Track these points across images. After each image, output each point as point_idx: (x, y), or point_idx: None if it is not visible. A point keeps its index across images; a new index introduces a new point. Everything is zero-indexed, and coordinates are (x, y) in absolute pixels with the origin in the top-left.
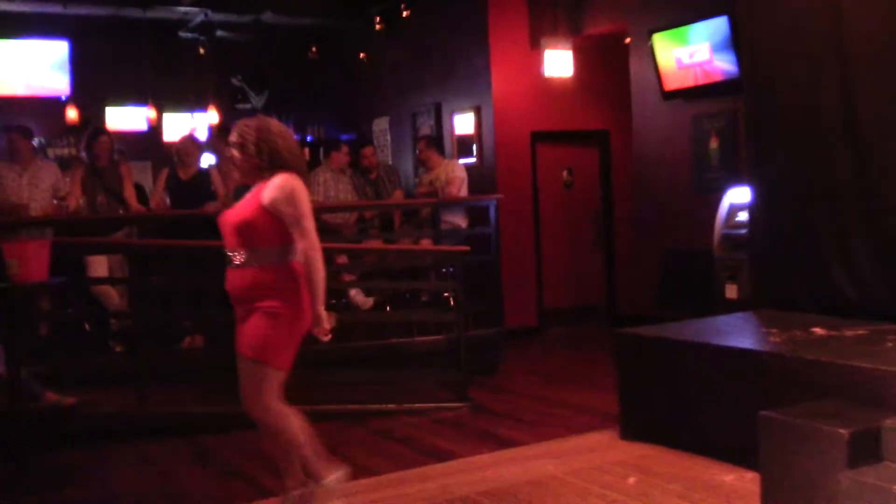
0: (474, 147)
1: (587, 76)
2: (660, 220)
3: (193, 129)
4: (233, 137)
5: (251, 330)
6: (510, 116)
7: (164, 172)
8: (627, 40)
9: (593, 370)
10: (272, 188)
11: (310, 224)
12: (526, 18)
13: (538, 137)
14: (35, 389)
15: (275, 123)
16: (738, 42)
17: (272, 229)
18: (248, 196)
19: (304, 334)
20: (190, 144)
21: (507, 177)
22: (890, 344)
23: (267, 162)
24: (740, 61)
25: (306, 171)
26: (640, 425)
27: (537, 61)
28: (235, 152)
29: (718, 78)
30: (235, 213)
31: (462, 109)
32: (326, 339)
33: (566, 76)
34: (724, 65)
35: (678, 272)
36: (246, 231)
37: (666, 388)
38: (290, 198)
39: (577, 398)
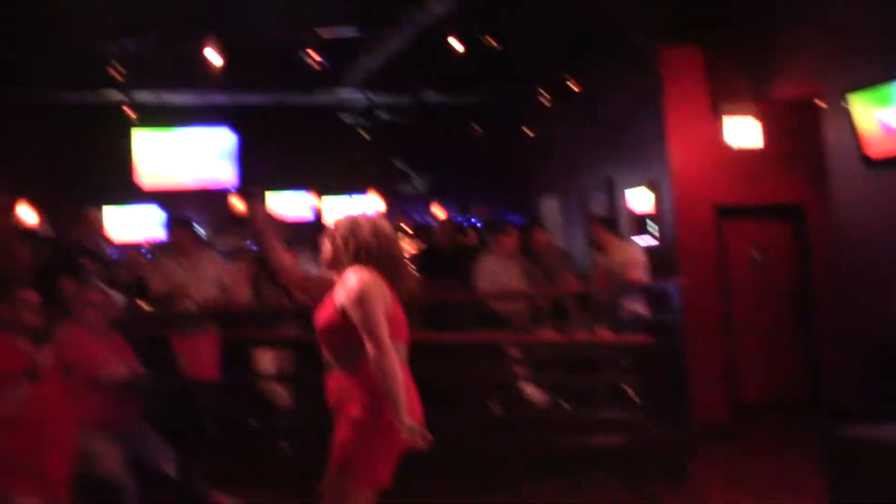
0: (652, 225)
1: (775, 144)
2: (869, 303)
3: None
4: (330, 228)
5: (336, 439)
6: (691, 190)
7: None
8: (820, 103)
9: (799, 475)
10: (343, 285)
11: (380, 329)
12: (704, 84)
13: (723, 213)
14: (203, 491)
15: (377, 222)
16: None
17: (350, 329)
18: (329, 296)
19: (402, 447)
20: None
21: (690, 257)
22: None
23: (352, 255)
24: None
25: (401, 275)
26: None
27: (719, 130)
28: (326, 241)
29: None
30: (317, 315)
31: (636, 184)
32: (423, 447)
33: (753, 145)
34: None
35: (890, 362)
36: (326, 331)
37: (886, 497)
38: (359, 298)
39: None
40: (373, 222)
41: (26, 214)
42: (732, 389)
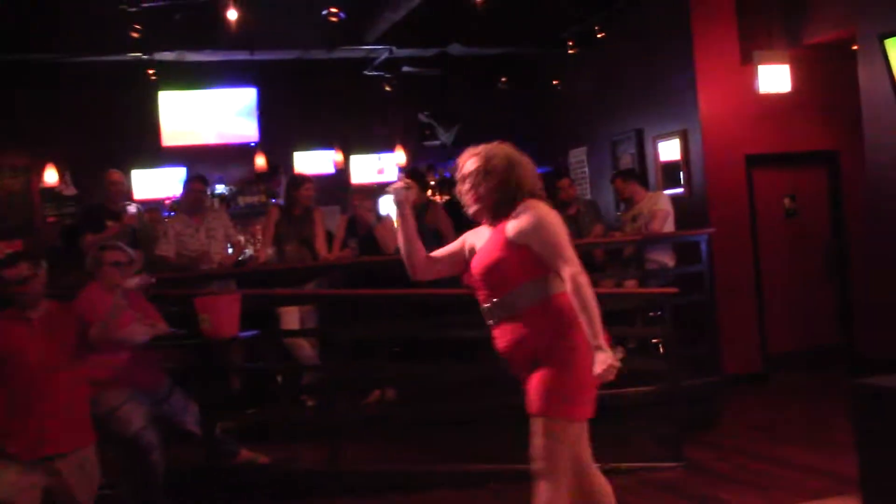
0: (681, 175)
1: (809, 91)
2: None
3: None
4: (474, 165)
5: (534, 384)
6: (721, 140)
7: (344, 219)
8: (855, 48)
9: (828, 425)
10: (523, 217)
11: (570, 249)
12: (735, 30)
13: (754, 162)
14: (230, 446)
15: (515, 150)
16: None
17: (521, 266)
18: (490, 238)
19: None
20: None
21: (720, 207)
22: None
23: (514, 194)
24: None
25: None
26: (888, 492)
27: (750, 77)
28: (479, 183)
29: None
30: (479, 262)
31: (666, 135)
32: (611, 377)
33: (784, 91)
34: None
35: None
36: (494, 276)
37: None
38: (545, 224)
39: (810, 458)
40: (518, 152)
41: (52, 175)
42: (764, 339)
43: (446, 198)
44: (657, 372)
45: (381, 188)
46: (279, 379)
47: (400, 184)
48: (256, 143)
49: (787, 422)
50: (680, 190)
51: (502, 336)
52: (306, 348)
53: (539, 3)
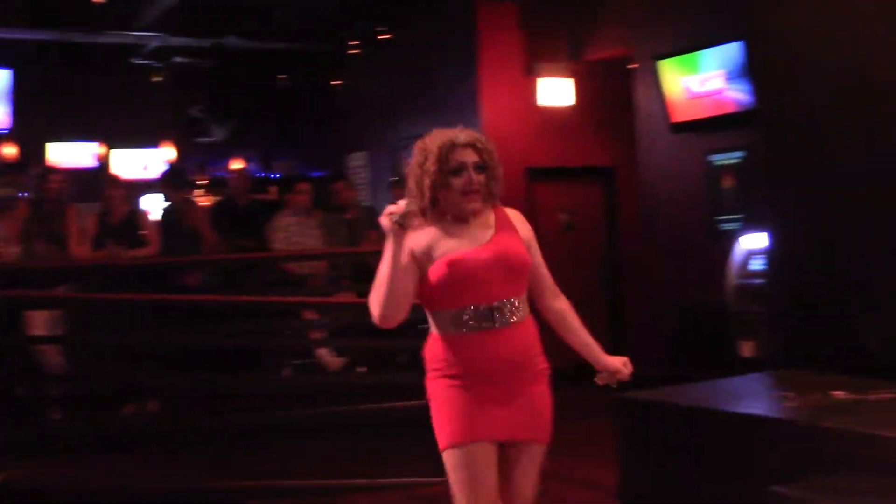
0: None
1: (589, 106)
2: (670, 267)
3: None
4: (489, 149)
5: (542, 405)
6: (502, 151)
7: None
8: (632, 66)
9: (592, 438)
10: (522, 222)
11: None
12: (519, 42)
13: (534, 174)
14: None
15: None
16: (753, 70)
17: (528, 272)
18: (502, 233)
19: None
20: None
21: None
22: None
23: (498, 186)
24: (755, 91)
25: None
26: (644, 500)
27: (533, 89)
28: (495, 174)
29: (732, 109)
30: (513, 250)
31: None
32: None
33: (565, 105)
34: (739, 95)
35: (691, 327)
36: (520, 272)
37: (669, 459)
38: (532, 233)
39: (574, 470)
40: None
41: None
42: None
43: (217, 199)
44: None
45: (146, 186)
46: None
47: (399, 208)
48: (6, 131)
49: (555, 435)
50: None
51: (513, 342)
52: (53, 357)
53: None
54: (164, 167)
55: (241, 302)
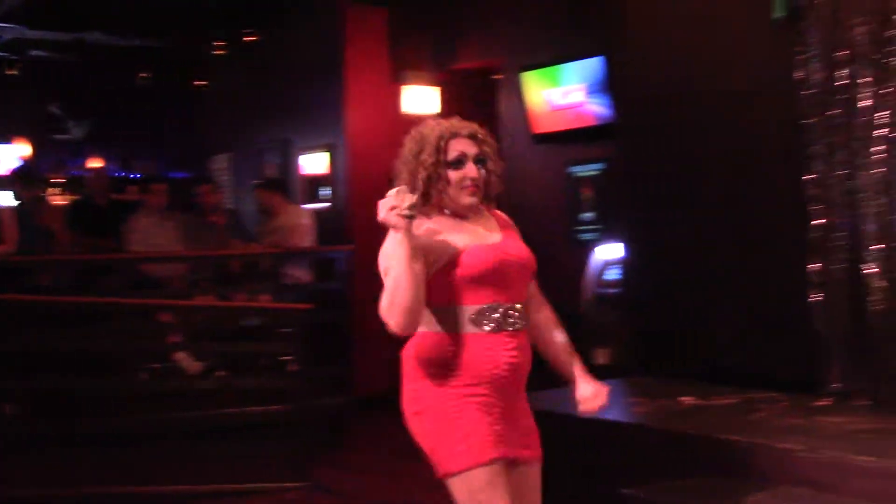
0: (325, 190)
1: (454, 114)
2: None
3: None
4: (489, 143)
5: (532, 419)
6: (367, 157)
7: None
8: (497, 77)
9: None
10: (516, 228)
11: None
12: (386, 49)
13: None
14: None
15: None
16: (613, 84)
17: None
18: (508, 236)
19: None
20: None
21: (363, 224)
22: (761, 414)
23: (496, 184)
24: (615, 105)
25: None
26: None
27: (399, 97)
28: (496, 166)
29: (592, 122)
30: (522, 251)
31: (313, 148)
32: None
33: (429, 114)
34: (599, 108)
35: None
36: (531, 277)
37: None
38: None
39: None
40: None
41: None
42: (397, 358)
43: (75, 198)
44: (288, 391)
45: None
46: None
47: (400, 198)
48: None
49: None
50: (324, 205)
51: (525, 347)
52: None
53: None
54: (17, 164)
55: (97, 303)
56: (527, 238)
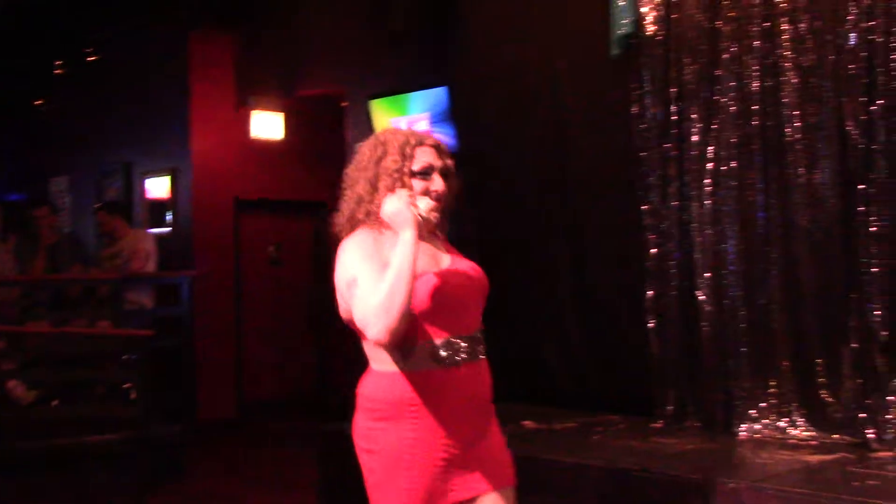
0: (169, 215)
1: (301, 141)
2: None
3: None
4: (451, 157)
5: (503, 450)
6: (212, 181)
7: None
8: (344, 104)
9: (298, 469)
10: (454, 247)
11: None
12: (232, 74)
13: (244, 206)
14: None
15: None
16: (455, 114)
17: None
18: (454, 253)
19: None
20: None
21: (206, 250)
22: (596, 437)
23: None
24: (457, 134)
25: None
26: None
27: (245, 122)
28: (453, 182)
29: None
30: (477, 273)
31: (156, 171)
32: None
33: (277, 139)
34: (443, 137)
35: None
36: (485, 300)
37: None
38: None
39: (279, 501)
40: None
41: None
42: (242, 387)
43: None
44: (127, 418)
45: None
46: None
47: (413, 195)
48: None
49: (259, 466)
50: (166, 229)
51: (485, 375)
52: None
53: (28, 14)
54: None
55: None
56: None
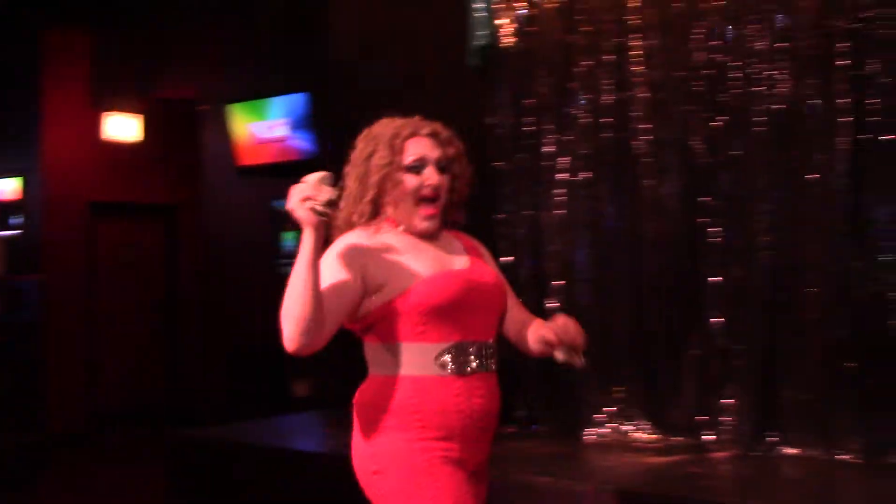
0: (18, 217)
1: (156, 144)
2: (232, 308)
3: None
4: (454, 144)
5: (488, 477)
6: (64, 184)
7: None
8: (201, 108)
9: (146, 479)
10: (488, 254)
11: None
12: (87, 75)
13: (97, 209)
14: None
15: None
16: (316, 120)
17: None
18: (476, 259)
19: None
20: None
21: (56, 254)
22: None
23: (459, 203)
24: (317, 140)
25: None
26: None
27: (99, 124)
28: (462, 171)
29: (295, 156)
30: (496, 281)
31: (4, 173)
32: None
33: (132, 141)
34: (302, 143)
35: (249, 367)
36: (502, 312)
37: (220, 498)
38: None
39: None
40: None
41: None
42: (92, 396)
43: None
44: None
45: None
46: None
47: (316, 189)
48: None
49: (107, 479)
50: (15, 232)
51: (495, 390)
52: None
53: None
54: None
55: None
56: (230, 270)
